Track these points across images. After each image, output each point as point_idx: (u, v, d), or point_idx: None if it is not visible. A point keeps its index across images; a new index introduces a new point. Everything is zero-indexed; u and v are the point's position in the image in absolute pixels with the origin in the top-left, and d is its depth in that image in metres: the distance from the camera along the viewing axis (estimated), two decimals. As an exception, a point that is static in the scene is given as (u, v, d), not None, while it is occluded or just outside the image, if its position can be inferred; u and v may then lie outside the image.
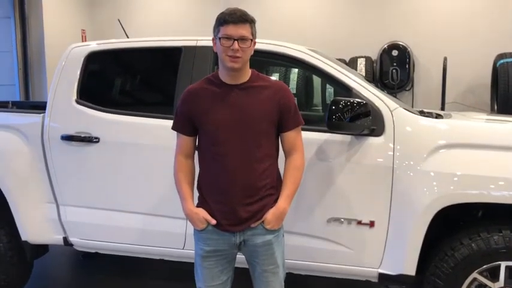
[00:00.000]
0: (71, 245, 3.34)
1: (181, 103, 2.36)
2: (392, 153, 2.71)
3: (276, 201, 2.32)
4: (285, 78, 4.95)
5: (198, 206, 2.36)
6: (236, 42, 2.18)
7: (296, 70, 4.89)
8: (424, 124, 2.81)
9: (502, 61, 6.07)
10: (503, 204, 2.59)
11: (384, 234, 2.76)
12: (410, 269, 2.69)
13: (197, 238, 2.37)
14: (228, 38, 2.18)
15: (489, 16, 6.75)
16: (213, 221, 2.28)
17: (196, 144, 2.40)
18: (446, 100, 6.55)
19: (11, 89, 7.17)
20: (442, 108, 6.34)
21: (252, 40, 2.23)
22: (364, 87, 2.88)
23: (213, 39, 2.31)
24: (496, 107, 6.27)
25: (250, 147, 2.25)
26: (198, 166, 2.41)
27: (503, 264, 2.56)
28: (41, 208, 3.31)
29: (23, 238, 3.29)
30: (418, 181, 2.65)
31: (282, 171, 2.39)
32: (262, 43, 2.95)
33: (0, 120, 3.42)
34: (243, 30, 2.19)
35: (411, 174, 2.67)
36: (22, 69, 7.15)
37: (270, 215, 2.28)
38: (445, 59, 6.51)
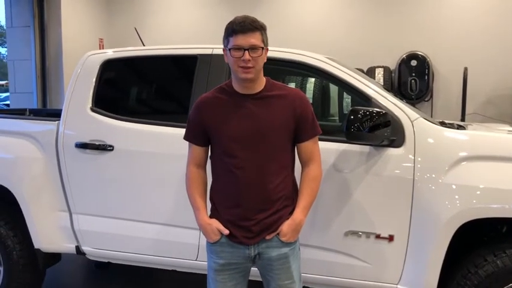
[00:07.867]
0: (84, 254, 3.31)
1: (194, 113, 2.30)
2: (412, 165, 2.62)
3: (291, 212, 2.24)
4: (302, 87, 4.89)
5: (210, 217, 2.29)
6: (247, 52, 2.09)
7: (313, 79, 4.83)
8: (446, 135, 2.72)
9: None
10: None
11: (403, 249, 2.67)
12: (431, 286, 2.59)
13: (210, 251, 2.29)
14: (238, 48, 2.10)
15: (510, 26, 6.61)
16: (226, 231, 2.21)
17: (209, 154, 2.34)
18: (467, 111, 6.42)
19: (29, 97, 7.26)
20: (462, 120, 6.22)
21: (263, 48, 2.15)
22: (383, 96, 2.80)
23: (223, 50, 2.24)
24: (518, 119, 6.14)
25: (266, 159, 2.18)
26: (210, 175, 2.35)
27: (529, 283, 2.46)
28: (54, 216, 3.29)
29: (36, 246, 3.28)
30: (439, 194, 2.55)
31: (298, 181, 2.32)
32: (280, 51, 2.91)
33: (15, 127, 3.44)
34: (253, 39, 2.11)
35: (432, 187, 2.58)
36: (40, 77, 7.24)
37: (285, 226, 2.20)
38: (466, 69, 6.39)
